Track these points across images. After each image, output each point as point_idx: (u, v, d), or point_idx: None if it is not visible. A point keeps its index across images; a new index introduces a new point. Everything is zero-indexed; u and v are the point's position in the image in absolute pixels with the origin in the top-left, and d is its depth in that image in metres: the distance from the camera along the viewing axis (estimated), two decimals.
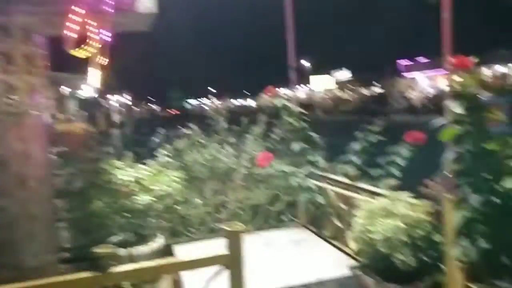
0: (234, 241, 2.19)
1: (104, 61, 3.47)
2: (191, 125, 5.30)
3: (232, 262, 2.12)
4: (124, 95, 41.40)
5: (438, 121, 2.54)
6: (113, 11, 2.88)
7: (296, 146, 4.71)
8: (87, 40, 2.85)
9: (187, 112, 61.46)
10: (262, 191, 4.89)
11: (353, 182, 3.86)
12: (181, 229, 4.54)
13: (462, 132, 2.32)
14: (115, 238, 3.06)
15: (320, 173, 4.50)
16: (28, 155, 2.82)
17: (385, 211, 2.88)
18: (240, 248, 2.17)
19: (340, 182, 4.12)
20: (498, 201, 2.28)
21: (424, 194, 3.00)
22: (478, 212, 2.34)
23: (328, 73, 59.88)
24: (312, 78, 58.24)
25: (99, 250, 2.05)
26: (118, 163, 2.66)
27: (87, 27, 2.81)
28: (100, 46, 2.93)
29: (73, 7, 2.82)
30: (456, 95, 2.36)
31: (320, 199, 4.31)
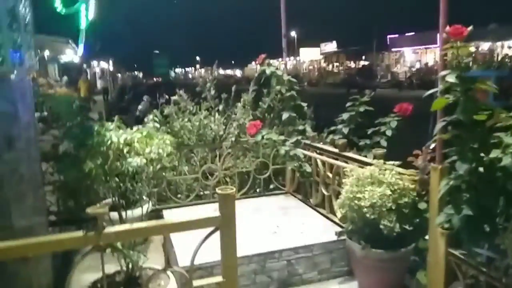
0: (227, 203, 2.21)
1: (84, 21, 3.36)
2: (180, 92, 5.25)
3: (225, 224, 2.15)
4: (108, 60, 40.36)
5: (430, 92, 2.56)
6: None
7: (285, 114, 4.72)
8: None
9: (173, 79, 60.55)
10: (250, 159, 4.92)
11: (340, 151, 3.90)
12: (168, 194, 4.56)
13: (452, 101, 2.34)
14: (104, 201, 3.06)
15: (308, 142, 4.53)
16: (15, 116, 2.76)
17: (373, 179, 2.94)
18: (232, 211, 2.20)
19: (328, 151, 4.16)
20: (483, 170, 2.34)
21: (412, 163, 3.07)
22: (463, 180, 2.40)
23: (317, 46, 59.49)
24: (302, 50, 57.86)
25: (92, 210, 2.04)
26: (108, 124, 2.62)
27: None
28: (91, 5, 2.83)
29: None
30: (449, 64, 2.37)
31: (308, 168, 4.36)
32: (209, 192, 4.83)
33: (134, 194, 3.39)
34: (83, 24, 3.13)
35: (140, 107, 15.29)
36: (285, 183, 4.99)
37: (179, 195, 4.74)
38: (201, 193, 4.86)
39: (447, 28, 2.33)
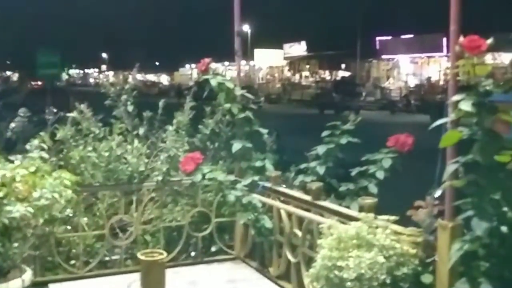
0: (152, 275, 2.22)
1: None
2: (80, 105, 5.19)
3: None
4: None
5: (437, 122, 2.73)
6: None
7: (237, 144, 4.81)
8: None
9: (66, 85, 59.25)
10: (184, 209, 4.92)
11: (314, 200, 4.02)
12: (58, 259, 4.44)
13: (467, 136, 2.52)
14: None
15: (269, 185, 4.62)
16: None
17: (360, 240, 3.04)
18: (161, 285, 2.21)
19: (296, 198, 4.27)
20: (507, 230, 2.51)
21: (412, 218, 3.22)
22: (482, 244, 2.56)
23: (279, 47, 60.89)
24: (257, 52, 58.90)
25: None
26: None
27: None
28: None
29: None
30: (463, 87, 2.57)
31: (267, 222, 4.43)
32: (119, 257, 4.75)
33: (6, 258, 3.32)
34: None
35: (12, 125, 14.77)
36: (233, 245, 5.01)
37: (73, 261, 4.62)
38: (107, 258, 4.78)
39: (461, 38, 2.53)
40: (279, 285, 4.30)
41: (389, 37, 47.31)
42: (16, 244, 3.32)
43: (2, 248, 3.00)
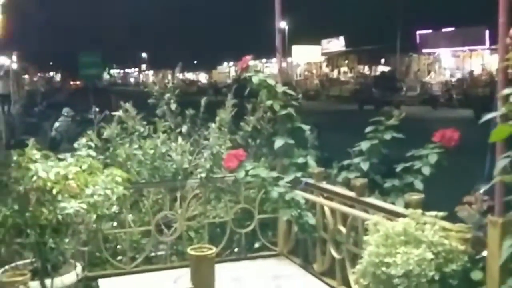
0: (202, 270, 2.26)
1: None
2: (125, 105, 5.28)
3: None
4: (12, 56, 40.04)
5: (488, 116, 2.69)
6: None
7: (279, 141, 4.83)
8: None
9: (108, 84, 60.44)
10: (227, 205, 4.96)
11: (358, 196, 4.01)
12: (105, 255, 4.54)
13: None
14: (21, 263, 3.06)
15: (312, 181, 4.63)
16: None
17: (407, 237, 3.02)
18: (211, 281, 2.24)
19: (340, 195, 4.26)
20: None
21: (461, 215, 3.18)
22: None
23: (317, 43, 60.64)
24: (295, 48, 58.80)
25: (6, 278, 2.06)
26: (31, 152, 2.65)
27: None
28: None
29: None
30: None
31: (310, 219, 4.44)
32: (165, 253, 4.83)
33: (59, 254, 3.41)
34: None
35: (57, 124, 15.11)
36: (276, 241, 5.03)
37: (120, 257, 4.71)
38: (153, 254, 4.86)
39: (511, 31, 2.49)
40: (323, 281, 4.30)
41: (430, 31, 46.55)
42: (67, 240, 3.42)
43: (54, 244, 3.08)
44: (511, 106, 2.47)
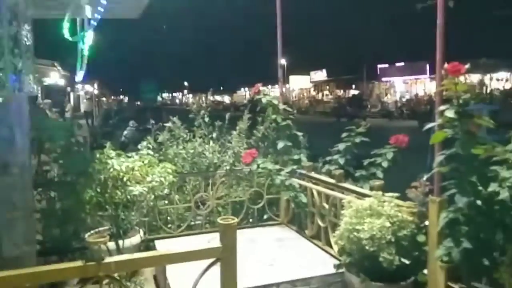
0: (228, 234, 2.26)
1: (87, 47, 3.46)
2: (173, 118, 5.32)
3: (226, 255, 2.19)
4: (94, 84, 40.40)
5: (429, 125, 2.69)
6: None
7: (280, 144, 4.82)
8: (81, 26, 2.84)
9: (160, 104, 60.69)
10: (244, 188, 4.96)
11: (337, 182, 3.99)
12: (159, 224, 4.55)
13: (451, 135, 2.47)
14: (100, 229, 3.07)
15: (304, 172, 4.61)
16: (11, 141, 2.80)
17: (372, 211, 3.02)
18: (233, 241, 2.25)
19: (324, 181, 4.24)
20: (481, 203, 2.45)
21: (410, 195, 3.17)
22: (462, 213, 2.50)
23: (307, 74, 60.63)
24: (292, 78, 58.90)
25: (93, 238, 2.07)
26: (109, 151, 2.68)
27: (84, 12, 2.81)
28: (90, 32, 2.94)
29: None
30: (448, 100, 2.52)
31: (303, 198, 4.43)
32: (201, 222, 4.84)
33: (127, 223, 3.42)
34: (86, 51, 3.23)
35: (125, 132, 15.23)
36: (279, 214, 5.03)
37: (169, 225, 4.73)
38: (192, 223, 4.87)
39: (445, 65, 2.48)
40: (313, 242, 4.29)
41: (386, 65, 46.44)
42: (133, 213, 3.44)
43: (124, 216, 3.09)
44: (445, 118, 2.47)
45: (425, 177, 3.08)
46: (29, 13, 3.00)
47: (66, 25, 2.87)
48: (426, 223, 2.91)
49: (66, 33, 2.92)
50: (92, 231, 3.50)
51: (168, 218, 4.80)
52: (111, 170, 2.48)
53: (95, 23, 2.99)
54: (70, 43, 3.67)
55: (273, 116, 4.92)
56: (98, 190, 2.55)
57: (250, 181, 5.01)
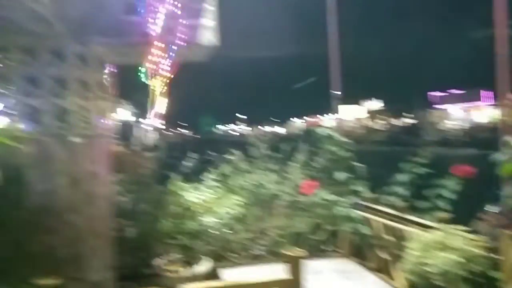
0: (296, 266, 2.26)
1: (165, 88, 3.71)
2: (234, 151, 5.42)
3: (295, 287, 2.19)
4: (157, 118, 42.43)
5: (497, 155, 2.57)
6: (181, 43, 3.11)
7: (340, 175, 4.77)
8: (158, 70, 3.07)
9: (217, 136, 62.33)
10: (304, 219, 4.91)
11: (400, 214, 3.86)
12: (224, 252, 4.59)
13: None
14: (171, 257, 3.18)
15: (364, 203, 4.51)
16: (96, 175, 3.03)
17: (441, 244, 2.88)
18: (301, 273, 2.24)
19: (386, 213, 4.12)
20: None
21: (479, 228, 2.99)
22: None
23: (358, 103, 59.92)
24: (341, 107, 58.42)
25: (167, 267, 2.16)
26: (183, 184, 2.81)
27: (157, 58, 3.04)
28: (167, 75, 3.16)
29: (144, 39, 3.07)
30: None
31: (365, 230, 4.31)
32: (263, 252, 4.81)
33: (196, 252, 3.50)
34: (157, 92, 3.49)
35: (187, 163, 15.76)
36: (340, 245, 4.90)
37: (233, 254, 4.74)
38: (255, 252, 4.85)
39: (510, 95, 2.39)
40: (376, 275, 4.12)
41: (442, 93, 44.82)
42: (201, 242, 3.51)
43: (194, 244, 3.17)
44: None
45: (494, 210, 2.91)
46: (111, 60, 3.28)
47: (142, 70, 3.12)
48: (499, 257, 2.72)
49: (143, 77, 3.17)
50: (165, 259, 3.61)
51: (232, 247, 4.81)
52: (184, 201, 2.59)
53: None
54: (137, 83, 3.96)
55: (331, 148, 4.90)
56: (171, 220, 2.65)
57: (311, 211, 4.95)
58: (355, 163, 4.92)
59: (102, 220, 3.03)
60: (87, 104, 2.99)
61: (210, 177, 4.85)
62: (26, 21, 2.48)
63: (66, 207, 2.83)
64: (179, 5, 3.09)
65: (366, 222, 4.37)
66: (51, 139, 2.79)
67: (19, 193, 2.63)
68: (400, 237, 3.76)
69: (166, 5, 3.07)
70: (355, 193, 4.68)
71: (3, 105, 2.36)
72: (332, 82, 5.37)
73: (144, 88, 3.71)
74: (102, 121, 3.14)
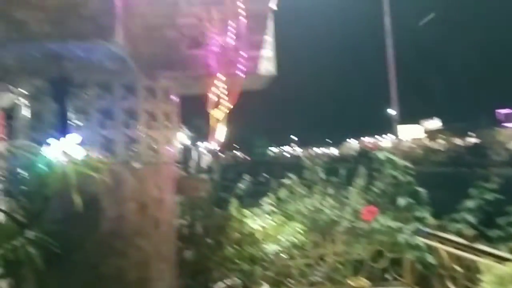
0: None
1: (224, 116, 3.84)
2: (291, 175, 5.43)
3: None
4: (211, 142, 43.46)
5: None
6: (241, 74, 3.24)
7: (401, 200, 4.61)
8: (219, 100, 3.21)
9: (270, 159, 62.49)
10: (365, 246, 4.77)
11: (470, 243, 3.65)
12: (282, 279, 4.56)
13: None
14: (231, 282, 3.23)
15: (429, 230, 4.32)
16: (162, 201, 3.18)
17: None
18: None
19: (453, 241, 3.91)
20: None
21: None
22: None
23: (417, 122, 57.75)
24: (402, 127, 56.62)
25: None
26: (244, 211, 2.88)
27: (220, 89, 3.19)
28: (229, 105, 3.29)
29: (208, 72, 3.24)
30: None
31: (430, 259, 4.11)
32: (321, 279, 4.72)
33: (253, 277, 3.52)
34: (222, 121, 3.64)
35: (241, 186, 15.92)
36: (403, 274, 4.70)
37: (291, 280, 4.70)
38: (313, 279, 4.78)
39: None
40: None
41: (509, 110, 41.95)
42: (260, 268, 3.53)
43: (253, 270, 3.20)
44: None
45: None
46: (176, 91, 3.47)
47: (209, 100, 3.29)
48: None
49: (209, 108, 3.34)
50: (223, 283, 3.68)
51: (291, 273, 4.77)
52: (244, 227, 2.65)
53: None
54: (198, 111, 4.13)
55: (392, 172, 4.77)
56: (231, 245, 2.71)
57: (371, 238, 4.80)
58: (417, 188, 4.75)
59: (167, 244, 3.16)
60: (154, 133, 3.18)
61: (266, 201, 4.89)
62: (103, 60, 2.73)
63: (134, 232, 2.99)
64: (240, 37, 3.23)
65: (431, 250, 4.17)
66: (122, 167, 2.98)
67: (94, 218, 2.82)
68: (470, 268, 3.55)
69: (228, 38, 3.23)
70: (418, 219, 4.50)
71: (81, 136, 2.58)
72: (389, 101, 5.27)
73: (204, 115, 3.88)
74: (167, 148, 3.31)
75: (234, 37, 3.27)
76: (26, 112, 3.04)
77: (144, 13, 2.93)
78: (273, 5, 3.40)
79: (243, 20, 3.30)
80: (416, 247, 4.16)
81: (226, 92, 3.45)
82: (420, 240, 4.21)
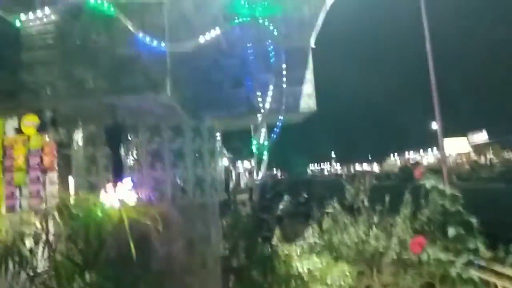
0: None
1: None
2: (334, 204, 5.38)
3: None
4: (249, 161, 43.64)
5: None
6: (282, 111, 3.31)
7: (451, 231, 4.44)
8: (260, 134, 3.29)
9: (309, 177, 61.76)
10: (413, 278, 4.61)
11: None
12: None
13: None
14: None
15: (482, 263, 4.11)
16: (208, 237, 3.26)
17: None
18: None
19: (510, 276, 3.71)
20: None
21: None
22: None
23: (464, 135, 55.32)
24: (446, 140, 54.46)
25: None
26: (289, 249, 2.89)
27: (260, 123, 3.26)
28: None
29: (250, 109, 3.33)
30: None
31: None
32: None
33: None
34: (265, 157, 3.73)
35: (281, 206, 15.84)
36: None
37: None
38: None
39: None
40: None
41: None
42: None
43: None
44: None
45: None
46: (220, 129, 3.59)
47: (254, 142, 3.38)
48: None
49: (254, 149, 3.42)
50: None
51: None
52: (295, 271, 2.66)
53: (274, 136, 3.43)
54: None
55: (439, 201, 4.61)
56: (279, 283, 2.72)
57: (420, 270, 4.64)
58: (469, 219, 4.55)
59: (213, 281, 3.21)
60: (201, 172, 3.28)
61: (310, 233, 4.86)
62: (152, 107, 2.88)
63: (183, 270, 3.07)
64: (282, 75, 3.31)
65: (487, 285, 3.97)
66: (171, 207, 3.09)
67: (145, 259, 2.93)
68: None
69: (270, 76, 3.31)
70: (471, 251, 4.30)
71: (133, 177, 2.71)
72: (431, 115, 5.11)
73: (242, 136, 3.99)
74: (213, 185, 3.40)
75: (276, 75, 3.36)
76: (82, 154, 3.23)
77: (189, 59, 3.07)
78: (312, 42, 3.47)
79: (284, 57, 3.39)
80: (470, 281, 3.97)
81: (267, 127, 3.53)
82: (475, 274, 4.01)
